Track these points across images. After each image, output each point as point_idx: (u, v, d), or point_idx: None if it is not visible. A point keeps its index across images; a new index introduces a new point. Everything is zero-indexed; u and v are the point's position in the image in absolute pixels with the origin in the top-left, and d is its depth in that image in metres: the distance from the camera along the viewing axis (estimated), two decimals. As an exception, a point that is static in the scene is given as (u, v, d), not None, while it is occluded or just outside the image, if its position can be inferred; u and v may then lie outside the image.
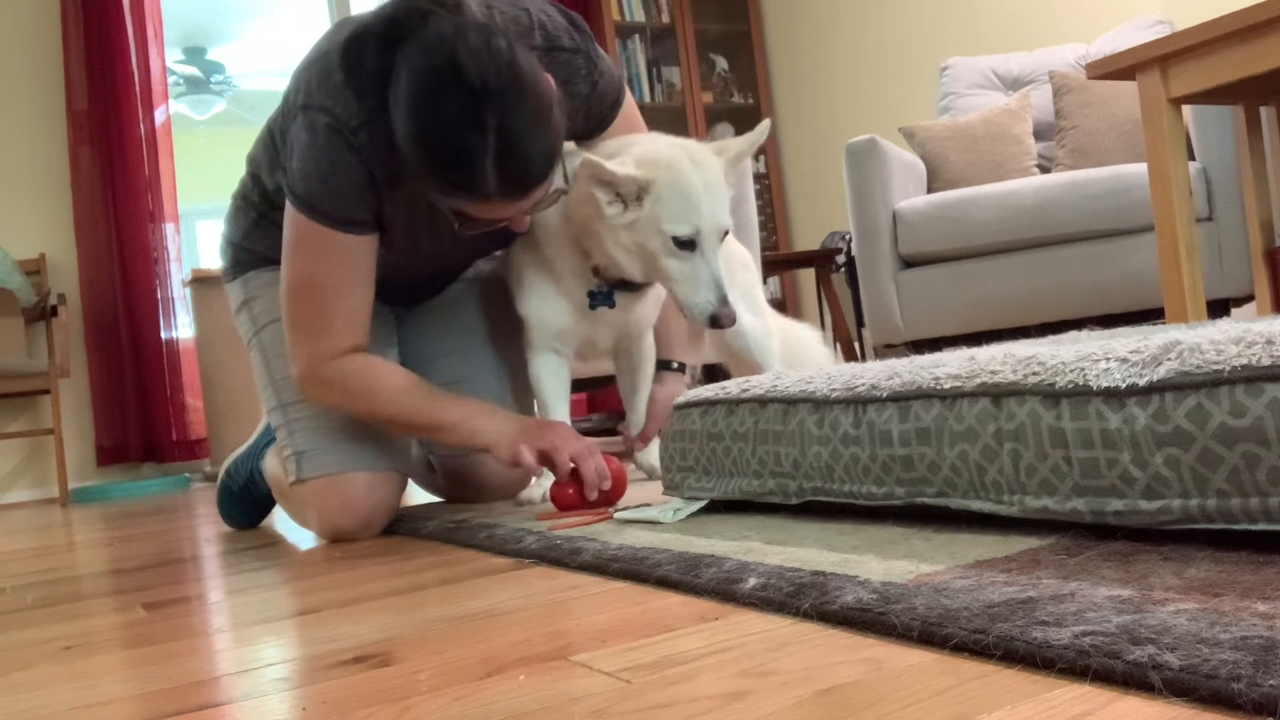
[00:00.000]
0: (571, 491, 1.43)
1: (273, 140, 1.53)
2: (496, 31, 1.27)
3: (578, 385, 3.26)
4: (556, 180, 1.38)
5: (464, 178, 1.27)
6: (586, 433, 3.70)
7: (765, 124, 1.55)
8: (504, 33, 1.29)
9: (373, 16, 1.34)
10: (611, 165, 1.39)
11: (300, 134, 1.40)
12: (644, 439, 1.73)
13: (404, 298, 1.76)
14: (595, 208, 1.42)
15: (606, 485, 1.42)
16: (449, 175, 1.29)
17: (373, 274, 1.50)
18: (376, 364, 1.52)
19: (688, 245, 1.42)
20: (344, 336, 1.49)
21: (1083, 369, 0.83)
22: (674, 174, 1.42)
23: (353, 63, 1.34)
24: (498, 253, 1.75)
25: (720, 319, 1.43)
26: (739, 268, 1.89)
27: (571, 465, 1.42)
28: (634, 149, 1.46)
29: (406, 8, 1.29)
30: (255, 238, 1.66)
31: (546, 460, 1.45)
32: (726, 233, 1.47)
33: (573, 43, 1.48)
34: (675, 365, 1.75)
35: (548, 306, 1.60)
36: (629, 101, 1.63)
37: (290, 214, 1.46)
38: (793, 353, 1.99)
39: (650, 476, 1.76)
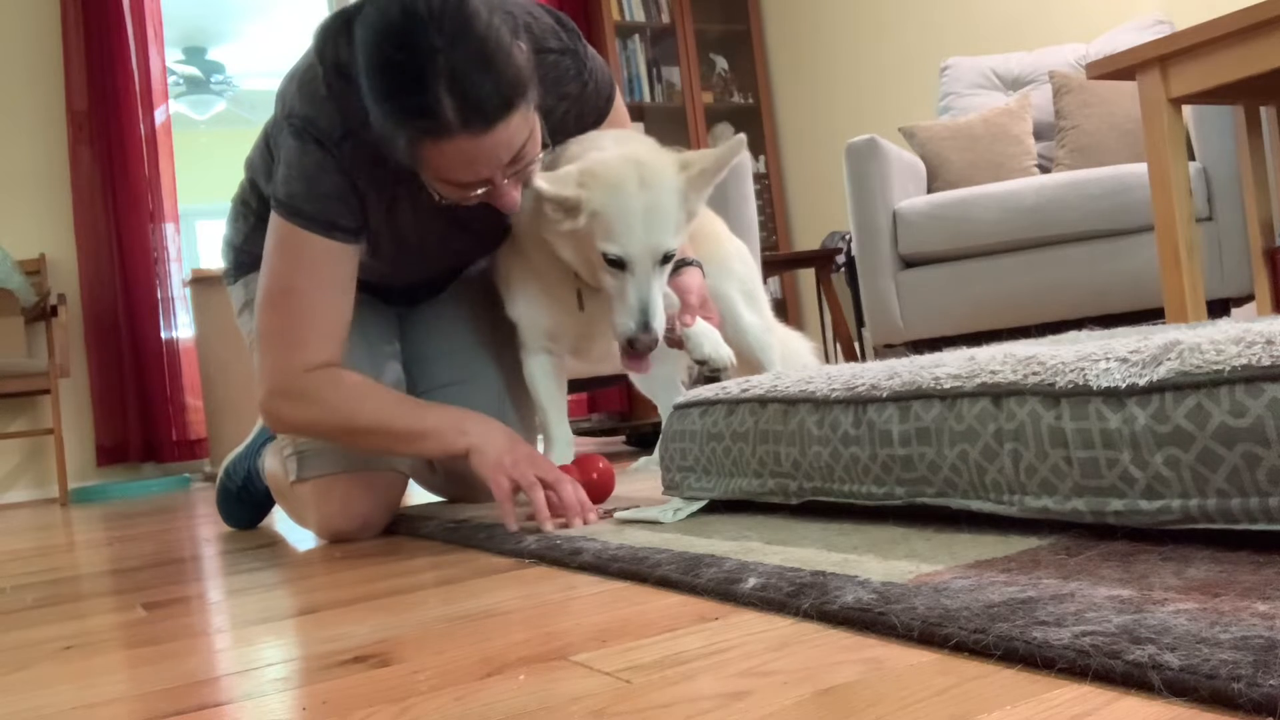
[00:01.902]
0: None
1: (268, 147, 1.53)
2: None
3: (578, 385, 3.26)
4: (527, 129, 1.32)
5: (419, 102, 1.24)
6: (586, 433, 3.70)
7: (740, 139, 1.46)
8: None
9: (339, 12, 1.35)
10: (545, 182, 1.37)
11: (286, 141, 1.41)
12: (686, 320, 1.59)
13: (404, 298, 1.76)
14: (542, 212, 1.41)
15: (591, 518, 1.32)
16: (405, 102, 1.26)
17: (352, 288, 1.47)
18: (351, 375, 1.46)
19: (619, 265, 1.39)
20: (318, 349, 1.43)
21: (1083, 369, 0.83)
22: (609, 194, 1.37)
23: (326, 59, 1.35)
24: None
25: (635, 344, 1.39)
26: (736, 262, 1.87)
27: (544, 496, 1.32)
28: (591, 155, 1.44)
29: (354, 8, 1.30)
30: (255, 241, 1.66)
31: (518, 490, 1.35)
32: (670, 256, 1.42)
33: (560, 44, 1.47)
34: (691, 262, 1.66)
35: (535, 307, 1.60)
36: (618, 100, 1.63)
37: (273, 221, 1.45)
38: (784, 361, 1.99)
39: (710, 363, 1.56)
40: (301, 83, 1.41)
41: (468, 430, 1.41)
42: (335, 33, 1.35)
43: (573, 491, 1.33)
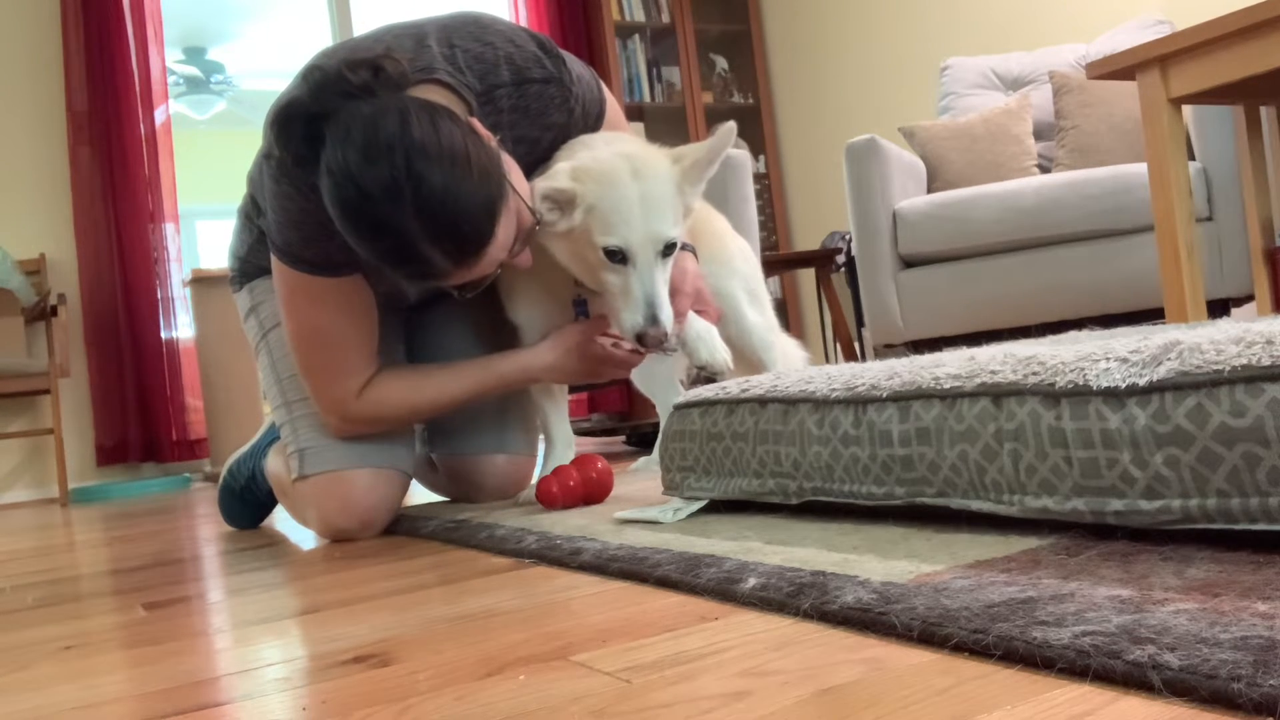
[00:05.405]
0: (556, 489, 1.47)
1: (261, 174, 1.53)
2: (387, 108, 1.24)
3: (578, 385, 3.26)
4: (513, 222, 1.34)
5: (407, 261, 1.28)
6: (586, 433, 3.70)
7: (729, 127, 1.46)
8: (396, 101, 1.25)
9: (300, 99, 1.30)
10: (538, 181, 1.38)
11: (269, 183, 1.42)
12: (679, 316, 1.57)
13: (410, 304, 1.77)
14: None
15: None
16: (393, 260, 1.28)
17: (373, 304, 1.52)
18: (395, 378, 1.56)
19: (620, 258, 1.38)
20: (361, 370, 1.52)
21: (1083, 369, 0.83)
22: (604, 186, 1.37)
23: (290, 145, 1.32)
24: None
25: (645, 340, 1.39)
26: (739, 261, 1.87)
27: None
28: (581, 153, 1.44)
29: (315, 107, 1.27)
30: (258, 253, 1.67)
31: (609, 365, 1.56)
32: (672, 246, 1.41)
33: (544, 72, 1.45)
34: (684, 246, 1.64)
35: (536, 311, 1.60)
36: (611, 108, 1.62)
37: (276, 265, 1.47)
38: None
39: (709, 368, 1.58)
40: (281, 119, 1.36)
41: (533, 368, 1.57)
42: (297, 138, 1.30)
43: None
